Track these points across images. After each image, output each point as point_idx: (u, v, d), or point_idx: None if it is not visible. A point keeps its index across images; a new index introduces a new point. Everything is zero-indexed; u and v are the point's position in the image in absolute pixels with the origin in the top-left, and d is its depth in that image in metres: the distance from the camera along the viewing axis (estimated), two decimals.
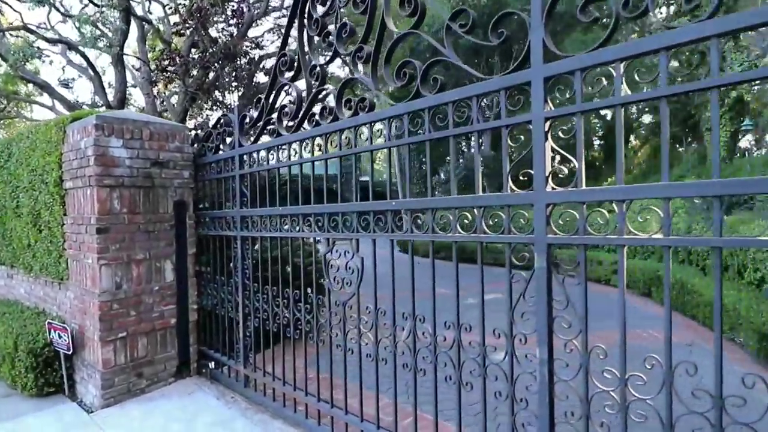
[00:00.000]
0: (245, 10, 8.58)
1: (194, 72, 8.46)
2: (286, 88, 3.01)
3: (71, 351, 3.73)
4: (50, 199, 4.04)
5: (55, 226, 4.08)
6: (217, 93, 8.77)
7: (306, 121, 2.77)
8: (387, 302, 2.26)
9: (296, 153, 2.90)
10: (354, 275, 2.48)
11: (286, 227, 3.03)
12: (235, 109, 3.48)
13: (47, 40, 10.33)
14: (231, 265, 3.69)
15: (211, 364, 4.04)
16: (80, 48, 9.34)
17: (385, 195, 2.29)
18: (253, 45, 8.93)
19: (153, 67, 8.67)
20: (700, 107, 15.99)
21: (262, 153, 3.23)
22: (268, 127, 3.14)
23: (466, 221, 1.99)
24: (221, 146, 3.70)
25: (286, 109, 2.92)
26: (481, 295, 1.94)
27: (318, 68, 2.65)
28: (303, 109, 2.79)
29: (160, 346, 3.87)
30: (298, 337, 2.97)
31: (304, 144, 2.85)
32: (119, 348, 3.62)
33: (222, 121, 3.68)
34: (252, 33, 10.01)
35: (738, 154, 14.47)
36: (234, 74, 7.87)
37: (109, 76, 13.53)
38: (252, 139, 3.36)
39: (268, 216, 3.17)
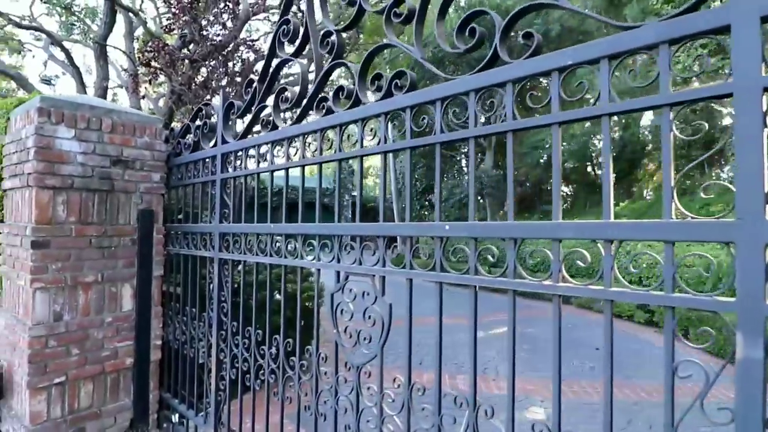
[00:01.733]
0: (239, 2, 7.91)
1: (182, 69, 7.73)
2: (288, 65, 2.27)
3: None
4: None
5: None
6: (207, 96, 8.02)
7: (314, 109, 2.02)
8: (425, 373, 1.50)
9: (297, 152, 2.15)
10: (375, 328, 1.70)
11: (280, 250, 2.25)
12: (220, 97, 2.73)
13: (19, 26, 9.54)
14: (207, 294, 2.89)
15: (175, 417, 3.20)
16: (57, 38, 8.58)
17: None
18: (248, 46, 8.23)
19: (137, 60, 7.93)
20: (724, 132, 15.57)
21: (252, 152, 2.47)
22: (262, 117, 2.39)
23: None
24: (201, 143, 2.94)
25: (287, 94, 2.18)
26: None
27: (333, 36, 1.92)
28: (310, 93, 2.05)
29: (110, 394, 3.03)
30: (289, 398, 2.18)
31: (309, 140, 2.10)
32: (54, 397, 2.78)
33: (203, 111, 2.92)
34: (244, 37, 9.32)
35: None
36: (226, 72, 7.14)
37: (95, 75, 12.75)
38: (239, 133, 2.61)
39: (255, 234, 2.40)
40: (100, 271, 2.97)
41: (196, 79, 7.19)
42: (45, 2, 9.18)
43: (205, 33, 7.08)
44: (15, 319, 2.92)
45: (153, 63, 6.95)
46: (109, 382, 3.03)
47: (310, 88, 2.07)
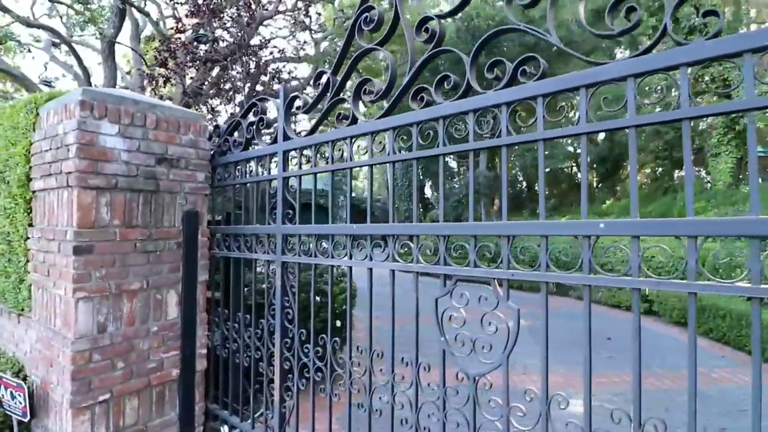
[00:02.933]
0: (254, 4, 7.69)
1: (193, 72, 7.50)
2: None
3: (28, 417, 2.67)
4: (11, 203, 3.02)
5: (17, 240, 3.05)
6: (215, 100, 7.78)
7: (411, 100, 1.88)
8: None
9: (384, 148, 2.00)
10: (497, 336, 1.57)
11: (361, 252, 2.10)
12: (281, 92, 2.56)
13: (28, 24, 9.15)
14: (266, 299, 2.72)
15: (224, 429, 3.02)
16: (67, 37, 8.25)
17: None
18: (263, 45, 8.00)
19: (152, 61, 7.64)
20: (704, 134, 15.89)
21: (326, 149, 2.31)
22: (337, 110, 2.23)
23: None
24: (254, 140, 2.77)
25: (372, 86, 2.03)
26: None
27: (434, 21, 1.78)
28: (404, 82, 1.90)
29: (155, 409, 2.84)
30: (379, 411, 2.03)
31: (396, 136, 1.96)
32: (99, 416, 2.58)
33: (258, 107, 2.75)
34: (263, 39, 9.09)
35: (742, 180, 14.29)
36: (248, 72, 6.92)
37: (97, 78, 12.36)
38: (300, 126, 2.45)
39: (329, 236, 2.24)
40: (145, 277, 2.77)
41: (208, 79, 6.96)
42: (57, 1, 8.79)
43: (223, 33, 6.86)
44: (51, 332, 2.71)
45: (169, 63, 6.69)
46: (155, 396, 2.84)
47: (408, 75, 1.91)
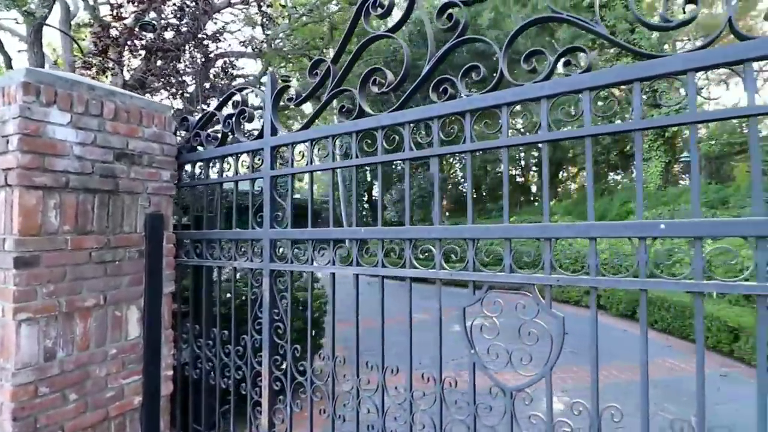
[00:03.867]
0: None
1: (136, 63, 6.84)
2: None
3: None
4: None
5: None
6: (160, 93, 7.17)
7: (432, 91, 1.73)
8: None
9: (405, 142, 1.83)
10: (538, 346, 1.46)
11: (371, 258, 1.92)
12: (268, 81, 2.31)
13: None
14: (249, 313, 2.44)
15: None
16: None
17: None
18: (213, 37, 7.48)
19: (88, 48, 6.84)
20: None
21: (324, 145, 2.09)
22: (342, 104, 2.03)
23: None
24: (233, 134, 2.49)
25: (382, 77, 1.86)
26: None
27: (458, 9, 1.65)
28: (425, 72, 1.74)
29: None
30: None
31: (413, 131, 1.80)
32: None
33: (238, 97, 2.47)
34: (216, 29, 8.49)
35: (667, 184, 15.64)
36: (191, 67, 6.39)
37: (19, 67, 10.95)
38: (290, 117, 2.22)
39: (330, 241, 2.04)
40: (102, 292, 2.39)
41: (153, 70, 6.36)
42: None
43: (171, 21, 6.29)
44: None
45: (110, 51, 6.01)
46: (114, 429, 2.45)
47: (432, 61, 1.76)
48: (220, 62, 8.38)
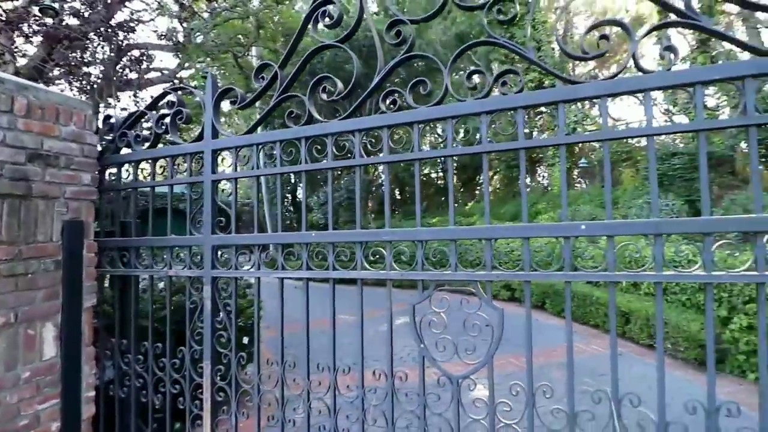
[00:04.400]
0: None
1: (31, 48, 6.10)
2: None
3: None
4: None
5: None
6: (60, 84, 6.47)
7: (382, 102, 1.82)
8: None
9: (355, 149, 1.90)
10: (481, 337, 1.62)
11: (318, 260, 1.97)
12: (209, 83, 2.25)
13: None
14: (187, 323, 2.33)
15: None
16: None
17: None
18: (125, 26, 6.89)
19: None
20: (543, 147, 19.00)
21: (269, 150, 2.10)
22: (292, 111, 2.04)
23: None
24: (168, 136, 2.38)
25: (332, 85, 1.92)
26: None
27: (407, 26, 1.77)
28: (374, 83, 1.83)
29: None
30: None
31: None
32: None
33: (172, 97, 2.37)
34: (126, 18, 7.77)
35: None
36: (101, 58, 5.84)
37: None
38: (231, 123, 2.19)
39: (279, 246, 2.04)
40: (12, 309, 2.14)
41: (53, 58, 5.70)
42: None
43: (76, 6, 5.69)
44: None
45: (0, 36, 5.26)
46: None
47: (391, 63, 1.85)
48: (134, 54, 7.74)
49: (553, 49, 16.35)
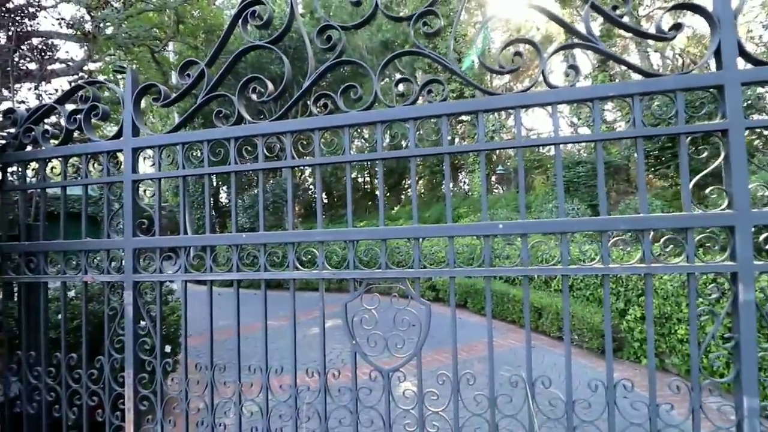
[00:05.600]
0: None
1: None
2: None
3: None
4: None
5: None
6: None
7: (313, 105, 1.84)
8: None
9: (284, 151, 1.91)
10: (410, 332, 1.71)
11: (249, 263, 1.95)
12: (129, 77, 2.13)
13: None
14: (105, 331, 2.18)
15: None
16: None
17: None
18: (24, 10, 6.19)
19: None
20: (464, 154, 19.92)
21: (195, 150, 2.03)
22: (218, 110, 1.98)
23: None
24: (82, 132, 2.21)
25: (262, 86, 1.91)
26: None
27: (336, 32, 1.81)
28: (308, 83, 1.85)
29: None
30: None
31: (295, 142, 1.90)
32: None
33: (87, 91, 2.21)
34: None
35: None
36: (17, 39, 5.19)
37: None
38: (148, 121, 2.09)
39: (207, 248, 2.00)
40: None
41: None
42: None
43: None
44: None
45: None
46: None
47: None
48: (34, 43, 6.98)
49: (473, 61, 17.25)
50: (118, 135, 2.14)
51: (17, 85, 6.03)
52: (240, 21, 1.92)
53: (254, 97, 1.92)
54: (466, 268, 1.72)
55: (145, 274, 2.08)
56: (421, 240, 1.78)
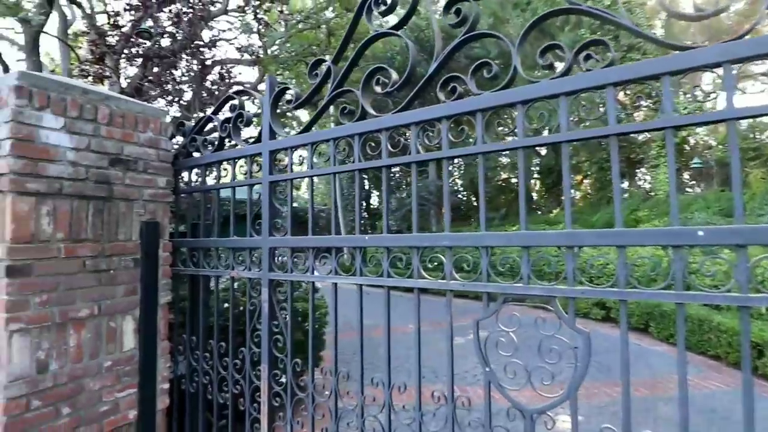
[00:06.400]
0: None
1: (132, 71, 6.81)
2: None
3: None
4: None
5: None
6: (159, 101, 7.15)
7: (440, 90, 1.62)
8: None
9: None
10: (561, 365, 1.34)
11: (372, 266, 1.82)
12: (267, 84, 2.22)
13: None
14: (247, 324, 2.33)
15: None
16: None
17: None
18: (209, 44, 7.43)
19: (85, 56, 6.80)
20: (643, 146, 16.82)
21: (324, 148, 2.00)
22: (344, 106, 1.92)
23: None
24: (230, 139, 2.40)
25: (386, 76, 1.75)
26: None
27: (468, 3, 1.55)
28: (434, 67, 1.64)
29: None
30: None
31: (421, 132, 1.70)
32: None
33: (235, 101, 2.38)
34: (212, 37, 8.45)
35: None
36: (187, 74, 6.37)
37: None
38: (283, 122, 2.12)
39: (332, 249, 1.93)
40: (96, 302, 2.29)
41: (150, 77, 6.32)
42: None
43: (168, 28, 6.27)
44: None
45: (106, 59, 5.98)
46: None
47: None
48: (216, 69, 8.33)
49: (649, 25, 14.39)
50: (259, 139, 2.25)
51: (205, 107, 7.24)
52: (364, 11, 1.81)
53: (378, 89, 1.79)
54: (645, 290, 1.26)
55: (279, 272, 2.13)
56: (576, 249, 1.39)
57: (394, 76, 1.73)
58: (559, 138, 1.42)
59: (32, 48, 7.25)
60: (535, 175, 27.23)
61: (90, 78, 6.12)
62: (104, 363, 2.33)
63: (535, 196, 27.41)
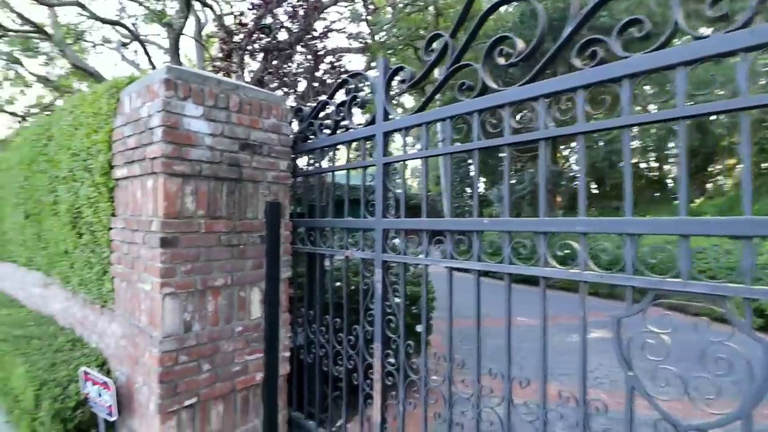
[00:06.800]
0: None
1: (254, 65, 7.38)
2: None
3: (114, 417, 2.53)
4: (94, 192, 2.90)
5: (100, 230, 2.93)
6: (278, 91, 7.67)
7: (577, 56, 1.44)
8: None
9: (540, 118, 1.57)
10: (731, 377, 1.11)
11: (492, 252, 1.71)
12: (381, 65, 2.20)
13: (102, 21, 9.52)
14: (361, 303, 2.40)
15: None
16: (137, 34, 8.46)
17: None
18: (320, 36, 7.73)
19: (215, 54, 7.61)
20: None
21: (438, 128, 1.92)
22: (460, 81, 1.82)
23: None
24: (344, 122, 2.44)
25: (510, 46, 1.60)
26: None
27: None
28: (569, 30, 1.45)
29: (240, 415, 2.62)
30: None
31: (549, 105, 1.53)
32: (185, 421, 2.38)
33: (349, 84, 2.41)
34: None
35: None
36: (301, 65, 6.72)
37: None
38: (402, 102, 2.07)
39: (446, 233, 1.86)
40: (229, 273, 2.54)
41: (269, 69, 6.81)
42: None
43: (285, 22, 6.70)
44: (136, 328, 2.55)
45: (233, 56, 6.61)
46: (239, 402, 2.62)
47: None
48: (328, 59, 8.67)
49: None
50: (372, 121, 2.25)
51: (318, 96, 7.61)
52: None
53: (501, 60, 1.65)
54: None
55: (391, 254, 2.13)
56: (755, 240, 1.13)
57: (520, 45, 1.57)
58: (737, 104, 1.15)
59: (174, 49, 8.30)
60: (672, 159, 23.83)
61: (220, 74, 6.84)
62: (236, 328, 2.59)
63: (670, 183, 24.05)
